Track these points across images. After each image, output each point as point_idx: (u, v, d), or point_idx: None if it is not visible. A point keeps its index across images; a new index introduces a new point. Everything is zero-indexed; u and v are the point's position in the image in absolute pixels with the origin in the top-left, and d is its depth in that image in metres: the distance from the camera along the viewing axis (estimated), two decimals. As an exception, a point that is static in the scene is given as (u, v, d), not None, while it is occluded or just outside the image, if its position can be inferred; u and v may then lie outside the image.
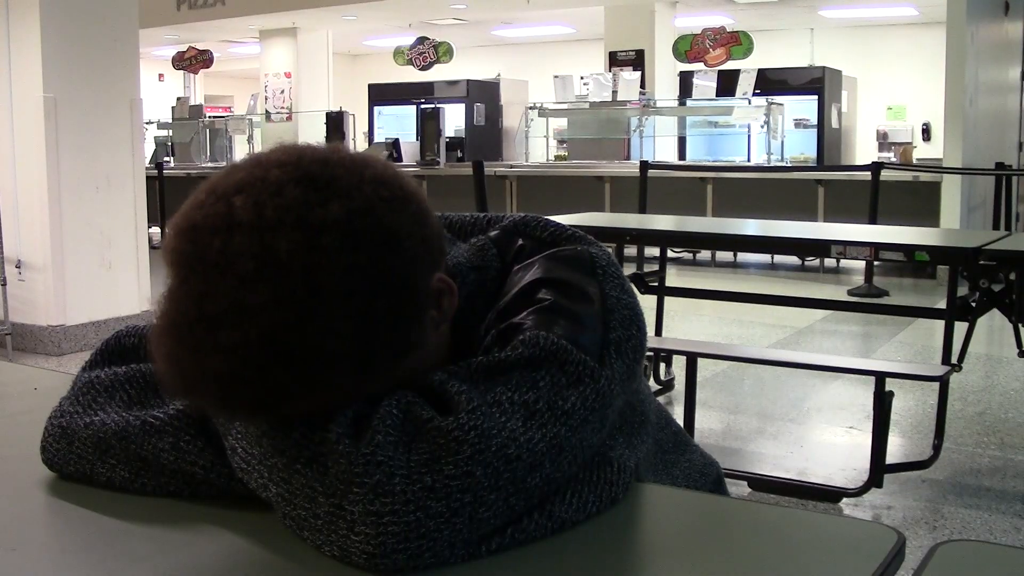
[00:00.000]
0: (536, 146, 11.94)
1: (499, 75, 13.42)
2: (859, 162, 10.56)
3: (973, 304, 3.47)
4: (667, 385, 4.38)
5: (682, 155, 11.38)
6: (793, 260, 8.77)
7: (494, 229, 0.96)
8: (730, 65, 10.85)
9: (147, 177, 6.12)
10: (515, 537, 0.75)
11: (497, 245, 0.94)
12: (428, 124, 11.14)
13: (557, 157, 12.11)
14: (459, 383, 0.77)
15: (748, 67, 10.68)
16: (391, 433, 0.73)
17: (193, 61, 14.40)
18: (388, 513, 0.70)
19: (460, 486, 0.71)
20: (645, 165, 7.54)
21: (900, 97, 13.75)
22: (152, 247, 6.82)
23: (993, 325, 4.94)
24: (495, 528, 0.74)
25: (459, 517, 0.71)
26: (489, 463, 0.72)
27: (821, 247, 3.99)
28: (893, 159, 9.71)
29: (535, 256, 0.91)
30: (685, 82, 11.44)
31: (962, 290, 3.52)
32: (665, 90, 11.45)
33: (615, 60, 11.58)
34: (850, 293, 7.19)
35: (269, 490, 0.77)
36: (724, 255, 9.11)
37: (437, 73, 13.28)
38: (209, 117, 13.82)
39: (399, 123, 13.27)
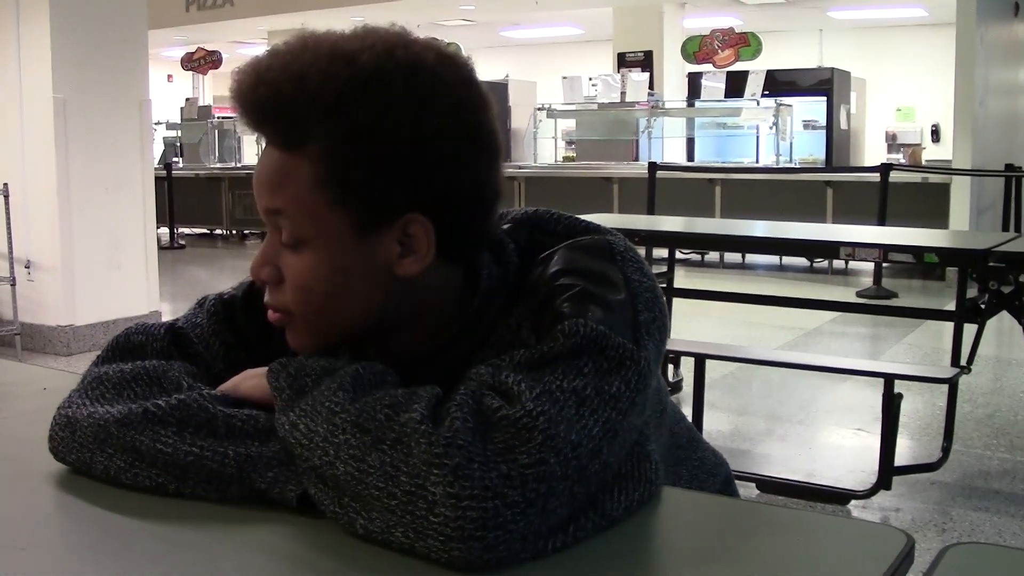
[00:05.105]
0: (544, 147, 11.93)
1: (507, 76, 13.40)
2: (868, 163, 10.52)
3: (982, 306, 3.46)
4: (676, 387, 4.37)
5: (690, 156, 11.37)
6: (801, 262, 8.75)
7: (506, 222, 0.97)
8: (739, 66, 10.83)
9: (156, 178, 6.14)
10: (576, 536, 0.76)
11: (514, 239, 0.95)
12: (436, 125, 11.12)
13: (565, 158, 12.10)
14: (511, 373, 0.77)
15: (757, 68, 10.65)
16: (468, 420, 0.74)
17: (202, 62, 14.42)
18: (468, 498, 0.70)
19: (535, 475, 0.72)
20: (653, 166, 7.54)
21: (909, 98, 13.70)
22: (161, 247, 6.85)
23: (1002, 327, 4.92)
24: (560, 522, 0.74)
25: (533, 508, 0.72)
26: (560, 450, 0.73)
27: (830, 248, 3.97)
28: (902, 160, 9.68)
29: (553, 249, 0.92)
30: (693, 83, 11.44)
31: (971, 292, 3.51)
32: (673, 91, 11.44)
33: (623, 61, 11.57)
34: (859, 295, 7.17)
35: (336, 468, 0.76)
36: (732, 256, 9.10)
37: (445, 74, 13.25)
38: (218, 118, 13.80)
39: (407, 124, 13.25)
